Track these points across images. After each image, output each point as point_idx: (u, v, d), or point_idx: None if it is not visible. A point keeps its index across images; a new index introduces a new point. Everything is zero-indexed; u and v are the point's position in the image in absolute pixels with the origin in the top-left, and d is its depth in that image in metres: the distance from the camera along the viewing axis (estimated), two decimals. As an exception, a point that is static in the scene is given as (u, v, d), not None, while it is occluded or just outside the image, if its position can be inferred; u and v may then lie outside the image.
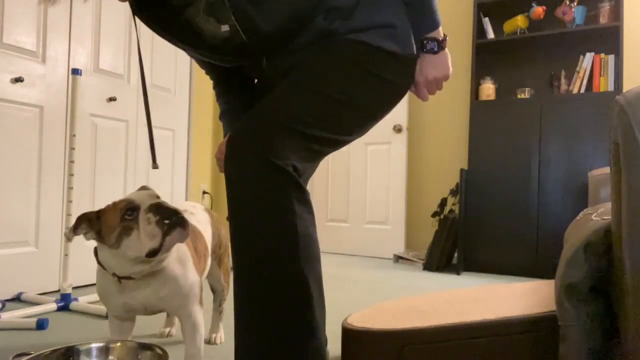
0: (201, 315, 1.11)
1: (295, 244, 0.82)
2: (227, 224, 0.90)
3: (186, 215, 1.27)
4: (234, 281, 0.85)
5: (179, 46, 1.06)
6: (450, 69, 1.01)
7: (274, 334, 0.81)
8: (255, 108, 0.88)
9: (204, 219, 1.33)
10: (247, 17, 0.89)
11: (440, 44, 0.98)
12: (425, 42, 0.98)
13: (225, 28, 0.97)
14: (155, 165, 1.09)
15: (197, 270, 1.10)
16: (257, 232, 0.81)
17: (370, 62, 0.91)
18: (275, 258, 0.81)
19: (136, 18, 1.01)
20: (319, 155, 0.92)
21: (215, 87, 1.23)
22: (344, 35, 0.92)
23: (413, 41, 0.97)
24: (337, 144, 0.94)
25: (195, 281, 1.09)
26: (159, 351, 1.14)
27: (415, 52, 0.97)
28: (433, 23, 0.97)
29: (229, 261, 1.40)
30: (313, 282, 0.83)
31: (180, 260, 1.06)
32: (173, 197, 2.94)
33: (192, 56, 1.15)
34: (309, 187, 4.16)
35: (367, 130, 1.00)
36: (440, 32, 0.98)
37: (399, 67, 0.96)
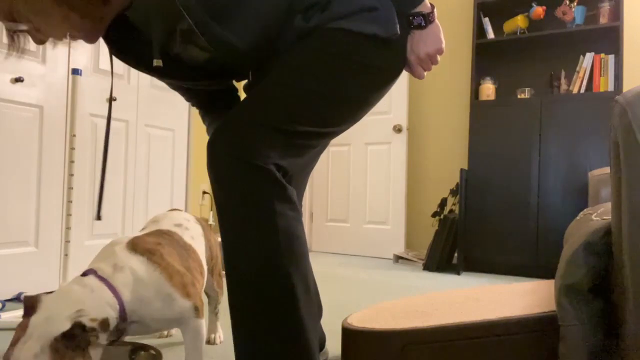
0: (203, 326, 1.09)
1: (276, 243, 0.81)
2: (217, 231, 0.89)
3: (181, 231, 1.21)
4: (226, 281, 0.85)
5: (163, 80, 1.05)
6: (443, 41, 0.96)
7: (259, 332, 0.81)
8: (234, 109, 0.87)
9: (198, 232, 1.29)
10: (220, 39, 0.86)
11: (428, 18, 0.93)
12: (411, 18, 0.94)
13: (204, 53, 0.95)
14: (98, 217, 1.07)
15: (186, 293, 1.05)
16: (238, 233, 0.81)
17: (350, 49, 0.88)
18: (257, 258, 0.81)
19: (113, 58, 0.99)
20: (307, 149, 0.90)
21: (204, 120, 1.21)
22: (323, 26, 0.89)
23: (397, 21, 0.92)
24: (325, 136, 0.92)
25: (184, 308, 1.04)
26: (152, 352, 1.14)
27: (399, 32, 0.92)
28: None
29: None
30: (298, 280, 0.83)
31: (162, 296, 1.01)
32: (173, 197, 2.94)
33: (175, 88, 1.13)
34: (309, 187, 4.16)
35: (359, 118, 0.96)
36: (427, 4, 0.94)
37: (383, 50, 0.92)
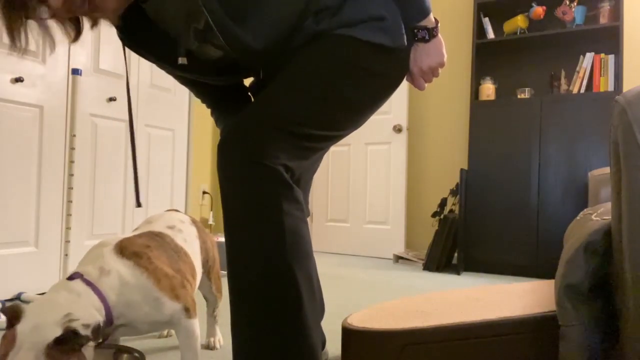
0: (195, 325, 1.08)
1: (282, 242, 0.82)
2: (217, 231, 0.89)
3: (173, 233, 1.20)
4: (227, 281, 0.85)
5: (171, 73, 1.06)
6: (445, 55, 1.00)
7: (262, 332, 0.81)
8: (244, 110, 0.89)
9: (192, 234, 1.28)
10: (236, 38, 0.89)
11: (432, 32, 0.97)
12: (416, 31, 0.97)
13: (218, 51, 0.97)
14: (138, 204, 1.08)
15: (175, 295, 1.05)
16: (244, 231, 0.82)
17: (358, 57, 0.91)
18: (262, 256, 0.81)
19: (126, 51, 1.01)
20: (312, 152, 0.92)
21: (212, 113, 1.23)
22: (333, 31, 0.92)
23: (404, 32, 0.96)
24: (330, 140, 0.94)
25: (173, 310, 1.04)
26: (136, 354, 1.13)
27: (406, 43, 0.96)
28: (423, 11, 0.96)
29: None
30: (302, 280, 0.83)
31: (149, 300, 1.01)
32: (173, 197, 2.94)
33: (184, 83, 1.15)
34: (309, 187, 4.16)
35: (361, 124, 0.99)
36: (432, 19, 0.97)
37: (389, 59, 0.95)
